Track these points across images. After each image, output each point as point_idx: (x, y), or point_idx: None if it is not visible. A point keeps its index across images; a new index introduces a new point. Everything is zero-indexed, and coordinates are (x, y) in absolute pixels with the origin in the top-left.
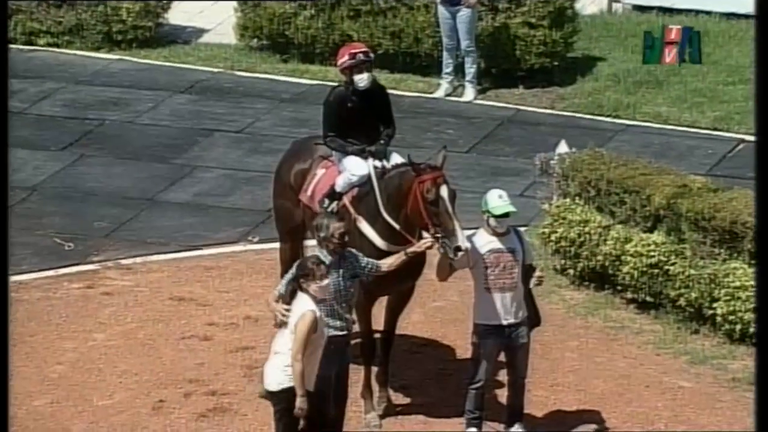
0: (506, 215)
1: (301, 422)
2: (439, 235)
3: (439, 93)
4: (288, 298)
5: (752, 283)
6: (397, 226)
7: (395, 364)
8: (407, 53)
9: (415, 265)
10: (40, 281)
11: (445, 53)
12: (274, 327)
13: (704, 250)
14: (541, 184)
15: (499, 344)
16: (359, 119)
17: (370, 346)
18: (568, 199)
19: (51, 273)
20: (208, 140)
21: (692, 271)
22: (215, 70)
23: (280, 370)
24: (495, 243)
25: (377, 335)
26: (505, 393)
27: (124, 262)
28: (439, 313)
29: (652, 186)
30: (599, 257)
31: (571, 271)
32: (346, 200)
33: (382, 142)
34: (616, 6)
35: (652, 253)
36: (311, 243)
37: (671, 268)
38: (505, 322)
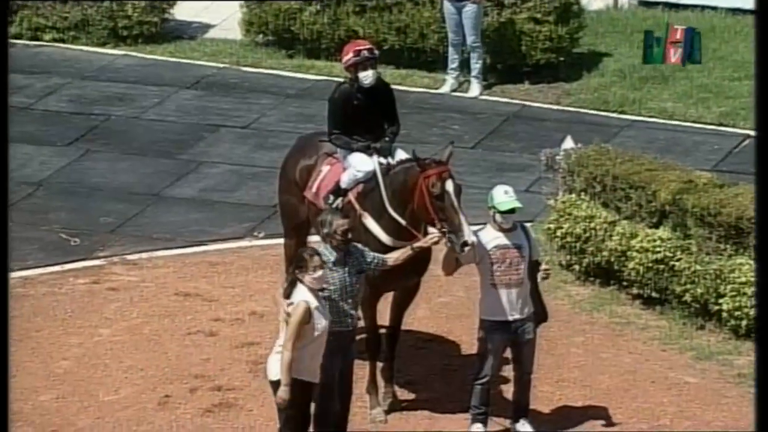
0: (512, 211)
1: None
2: (445, 230)
3: (445, 88)
4: (288, 290)
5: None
6: (402, 222)
7: (400, 359)
8: (413, 49)
9: (420, 261)
10: (46, 276)
11: (450, 49)
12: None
13: (710, 245)
14: (546, 179)
15: (505, 340)
16: (364, 116)
17: (375, 342)
18: (573, 195)
19: (57, 268)
20: (213, 136)
21: (698, 267)
22: (221, 65)
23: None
24: (501, 239)
25: (383, 331)
26: (511, 389)
27: (129, 257)
28: (445, 309)
29: (658, 182)
30: (605, 253)
31: (577, 267)
32: (351, 196)
33: (387, 139)
34: (622, 1)
35: (658, 249)
36: (316, 239)
37: (677, 263)
38: (510, 318)
